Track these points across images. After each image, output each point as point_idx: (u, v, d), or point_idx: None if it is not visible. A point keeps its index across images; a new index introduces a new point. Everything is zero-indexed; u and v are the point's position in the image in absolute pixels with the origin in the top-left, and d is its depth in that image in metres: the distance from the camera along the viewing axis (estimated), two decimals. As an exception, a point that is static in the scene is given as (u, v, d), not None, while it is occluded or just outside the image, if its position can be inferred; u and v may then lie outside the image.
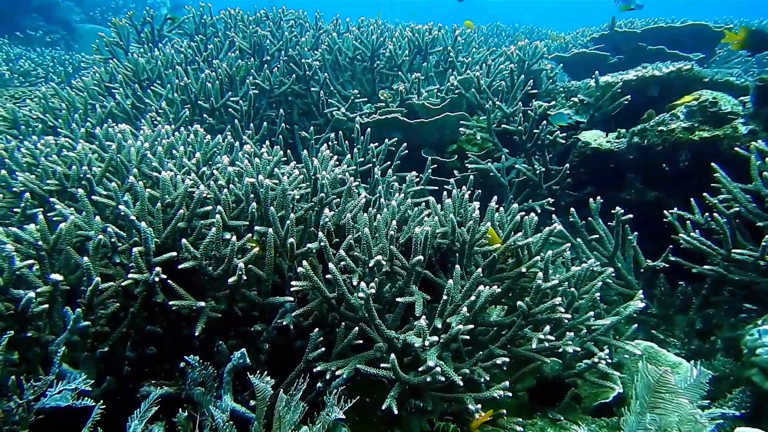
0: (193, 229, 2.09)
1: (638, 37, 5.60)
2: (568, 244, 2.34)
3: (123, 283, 1.80)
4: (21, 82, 5.09)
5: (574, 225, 2.84)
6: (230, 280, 1.86)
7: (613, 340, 2.20)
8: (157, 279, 1.77)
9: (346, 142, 3.45)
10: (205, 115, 3.63)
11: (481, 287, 1.93)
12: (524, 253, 2.28)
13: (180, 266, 1.84)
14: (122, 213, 1.89)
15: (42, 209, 2.01)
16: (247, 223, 2.14)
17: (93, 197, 2.07)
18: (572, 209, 2.83)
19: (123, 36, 4.47)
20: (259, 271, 2.02)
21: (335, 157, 2.65)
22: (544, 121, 3.59)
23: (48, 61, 6.20)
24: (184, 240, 1.86)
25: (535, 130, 3.56)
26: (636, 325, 2.31)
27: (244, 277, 1.88)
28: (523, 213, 2.30)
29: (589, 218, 2.85)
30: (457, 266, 2.04)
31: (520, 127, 3.57)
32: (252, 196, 2.19)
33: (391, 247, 2.09)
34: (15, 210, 2.06)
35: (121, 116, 3.47)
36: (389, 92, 4.12)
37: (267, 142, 3.10)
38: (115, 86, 3.64)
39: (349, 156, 3.02)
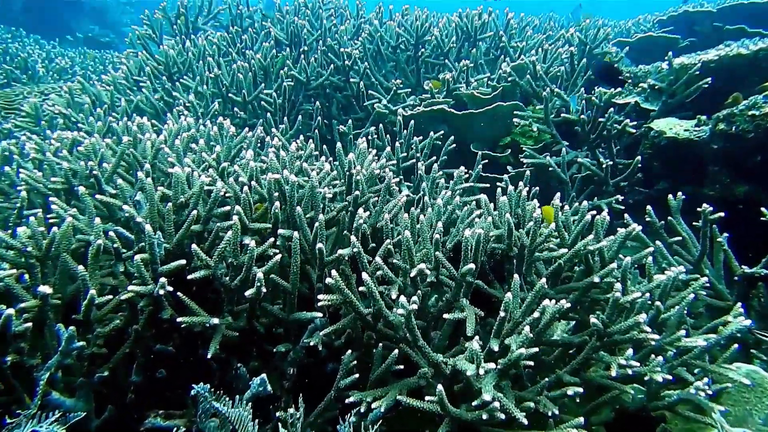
0: (210, 233, 1.85)
1: (714, 16, 5.10)
2: (650, 249, 1.98)
3: (123, 296, 1.57)
4: (56, 79, 5.04)
5: (651, 226, 2.47)
6: (248, 292, 1.60)
7: (709, 365, 1.83)
8: (162, 291, 1.53)
9: (387, 136, 3.18)
10: (236, 109, 3.42)
11: (546, 301, 1.61)
12: (595, 259, 1.95)
13: (189, 276, 1.60)
14: (127, 214, 1.67)
15: (42, 210, 1.81)
16: (270, 226, 1.88)
17: (99, 196, 1.86)
18: (648, 207, 2.45)
19: (156, 28, 4.33)
20: (283, 281, 1.76)
21: (374, 152, 2.38)
22: (611, 109, 3.21)
23: (87, 61, 6.18)
24: (194, 246, 1.61)
25: (600, 119, 3.18)
26: (737, 345, 1.92)
27: (264, 290, 1.62)
28: (594, 212, 1.96)
29: (669, 218, 2.47)
30: (516, 276, 1.73)
31: (582, 116, 3.21)
32: (276, 194, 1.94)
33: (437, 253, 1.80)
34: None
35: (148, 110, 3.30)
36: (436, 81, 3.82)
37: (301, 137, 2.86)
38: (143, 80, 3.48)
39: (389, 149, 2.73)
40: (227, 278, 1.70)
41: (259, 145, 2.68)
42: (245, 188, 1.89)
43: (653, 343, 1.71)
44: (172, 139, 2.23)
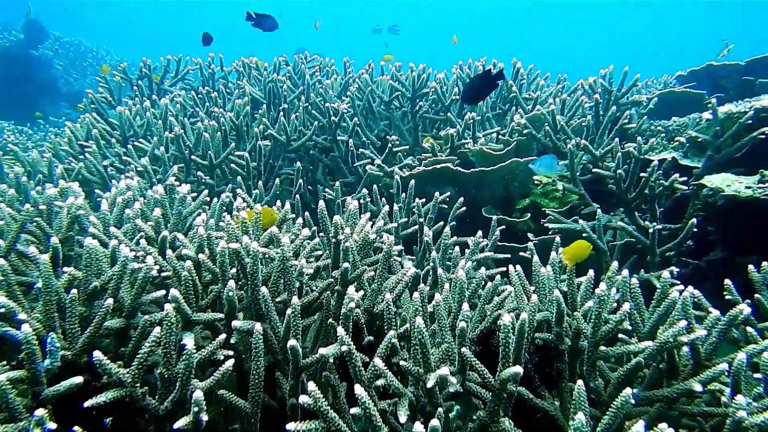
0: (136, 330, 1.36)
1: (742, 69, 4.85)
2: (766, 342, 1.50)
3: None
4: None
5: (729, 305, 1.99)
6: (179, 423, 1.09)
7: None
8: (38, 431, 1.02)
9: (383, 199, 2.75)
10: (201, 173, 3.00)
11: (636, 427, 1.10)
12: (682, 354, 1.46)
13: (87, 403, 1.09)
14: (2, 309, 1.18)
15: None
16: (222, 315, 1.40)
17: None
18: (728, 282, 1.99)
19: (114, 91, 3.99)
20: (240, 400, 1.25)
21: (367, 214, 1.93)
22: (655, 162, 2.80)
23: (47, 136, 5.84)
24: (97, 353, 1.11)
25: (642, 174, 2.77)
26: None
27: (205, 417, 1.11)
28: (678, 289, 1.49)
29: (757, 296, 1.99)
30: (580, 383, 1.23)
31: (620, 171, 2.79)
32: (234, 271, 1.47)
33: (464, 350, 1.30)
34: None
35: (93, 179, 2.86)
36: (436, 139, 3.44)
37: (278, 204, 2.42)
38: (89, 145, 3.07)
39: (386, 209, 2.29)
40: (154, 400, 1.20)
41: (225, 213, 2.24)
42: (188, 263, 1.41)
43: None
44: (99, 206, 1.77)
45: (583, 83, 3.78)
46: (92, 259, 1.36)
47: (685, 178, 2.83)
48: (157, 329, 1.18)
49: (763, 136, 2.97)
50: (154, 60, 4.42)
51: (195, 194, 2.33)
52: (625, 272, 1.57)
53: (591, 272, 1.58)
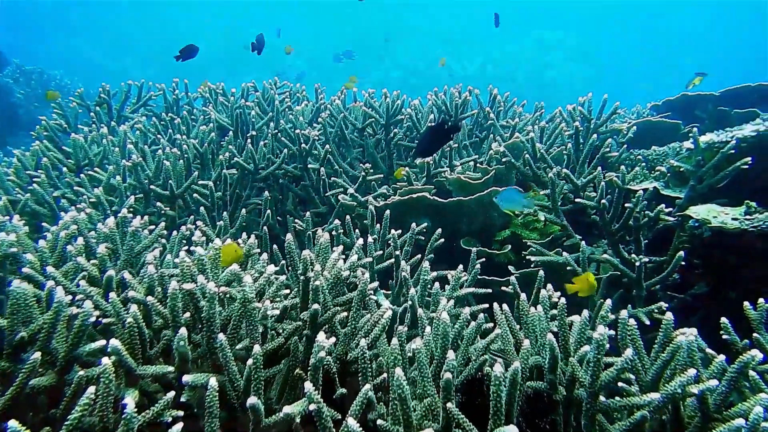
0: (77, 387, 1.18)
1: (717, 99, 4.87)
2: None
3: None
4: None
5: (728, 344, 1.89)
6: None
7: None
8: None
9: (357, 231, 2.61)
10: (160, 204, 2.82)
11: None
12: (687, 404, 1.33)
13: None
14: None
15: None
16: (173, 369, 1.23)
17: None
18: (724, 321, 1.88)
19: (70, 118, 3.80)
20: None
21: (340, 248, 1.78)
22: (640, 193, 2.72)
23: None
24: (12, 422, 0.94)
25: (627, 204, 2.68)
26: None
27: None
28: (682, 331, 1.37)
29: (755, 335, 1.89)
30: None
31: (604, 201, 2.70)
32: (187, 315, 1.30)
33: (449, 405, 1.15)
34: None
35: (42, 210, 2.66)
36: (412, 168, 3.33)
37: (244, 236, 2.26)
38: (38, 174, 2.87)
39: (360, 242, 2.15)
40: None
41: (185, 248, 2.07)
42: (134, 308, 1.25)
43: None
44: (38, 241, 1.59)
45: (561, 111, 3.72)
46: (20, 304, 1.19)
47: (670, 209, 2.76)
48: (91, 389, 1.01)
49: (746, 166, 2.92)
50: (114, 84, 4.25)
51: (154, 227, 2.16)
52: (624, 312, 1.45)
53: (585, 312, 1.45)
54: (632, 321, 1.45)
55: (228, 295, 1.49)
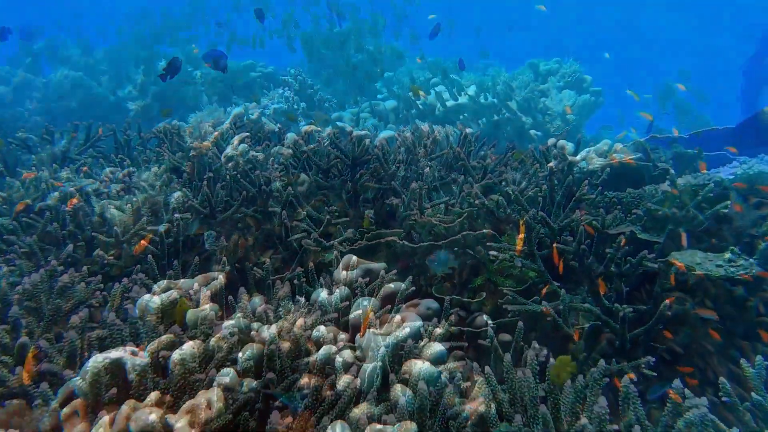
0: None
1: (684, 142, 4.89)
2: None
3: None
4: None
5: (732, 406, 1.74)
6: None
7: None
8: None
9: (321, 279, 2.42)
10: (101, 253, 2.58)
11: None
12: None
13: None
14: None
15: None
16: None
17: None
18: (723, 380, 1.75)
19: (8, 161, 3.55)
20: None
21: (302, 299, 1.59)
22: (621, 236, 2.61)
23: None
24: None
25: (608, 250, 2.57)
26: None
27: None
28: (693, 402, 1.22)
29: (754, 394, 1.76)
30: None
31: (583, 246, 2.58)
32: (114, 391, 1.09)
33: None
34: None
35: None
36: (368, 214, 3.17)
37: (195, 286, 2.05)
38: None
39: (325, 294, 1.97)
40: None
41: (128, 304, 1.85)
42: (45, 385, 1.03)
43: None
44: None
45: (533, 150, 3.64)
46: None
47: (653, 255, 2.66)
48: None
49: (726, 210, 2.87)
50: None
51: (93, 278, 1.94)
52: (626, 378, 1.29)
53: (580, 377, 1.29)
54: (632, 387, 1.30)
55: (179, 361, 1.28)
